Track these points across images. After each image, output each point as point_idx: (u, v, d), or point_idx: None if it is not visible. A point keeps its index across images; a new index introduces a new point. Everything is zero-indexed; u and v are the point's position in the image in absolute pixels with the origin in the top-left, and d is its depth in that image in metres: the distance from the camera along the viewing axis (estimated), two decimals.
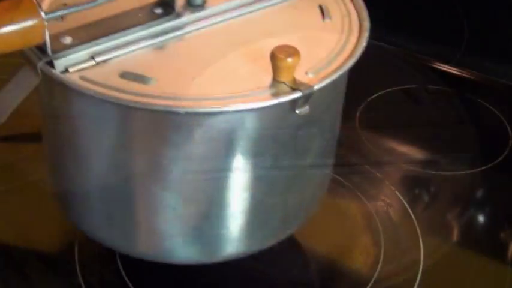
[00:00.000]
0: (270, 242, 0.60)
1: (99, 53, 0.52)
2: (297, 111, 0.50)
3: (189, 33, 0.55)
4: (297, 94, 0.50)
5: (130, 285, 0.64)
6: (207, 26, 0.56)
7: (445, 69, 0.95)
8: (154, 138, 0.52)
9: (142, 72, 0.51)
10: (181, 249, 0.58)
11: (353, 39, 0.57)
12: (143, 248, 0.59)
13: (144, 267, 0.66)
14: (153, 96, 0.49)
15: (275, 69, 0.50)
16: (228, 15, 0.57)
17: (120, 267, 0.65)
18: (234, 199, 0.55)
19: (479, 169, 0.78)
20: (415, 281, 0.64)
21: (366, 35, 0.57)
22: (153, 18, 0.55)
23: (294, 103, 0.50)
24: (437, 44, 0.97)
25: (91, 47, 0.52)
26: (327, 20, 0.58)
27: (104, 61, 0.52)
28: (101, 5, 0.53)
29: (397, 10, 0.99)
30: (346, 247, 0.68)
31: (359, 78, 0.93)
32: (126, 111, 0.51)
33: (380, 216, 0.71)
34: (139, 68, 0.51)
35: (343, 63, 0.53)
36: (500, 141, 0.82)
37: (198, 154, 0.52)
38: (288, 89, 0.50)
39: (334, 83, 0.52)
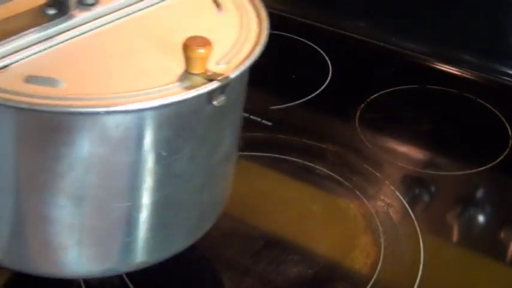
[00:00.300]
0: (187, 243, 0.59)
1: None
2: (214, 103, 0.50)
3: (87, 33, 0.54)
4: (215, 84, 0.49)
5: (131, 285, 0.64)
6: (105, 24, 0.55)
7: (445, 69, 0.96)
8: (65, 143, 0.49)
9: (48, 75, 0.48)
10: (87, 261, 0.55)
11: (254, 27, 0.56)
12: (41, 263, 0.55)
13: (144, 267, 0.66)
14: (64, 98, 0.47)
15: (189, 61, 0.49)
16: (123, 12, 0.56)
17: None
18: (152, 200, 0.53)
19: (479, 169, 0.78)
20: (415, 281, 0.64)
21: (266, 22, 0.56)
22: (48, 19, 0.53)
23: (211, 94, 0.49)
24: (437, 44, 0.97)
25: None
26: (223, 12, 0.58)
27: (4, 67, 0.49)
28: None
29: (397, 10, 0.99)
30: (346, 247, 0.68)
31: (359, 78, 0.94)
32: (33, 116, 0.48)
33: (380, 216, 0.71)
34: (44, 71, 0.49)
35: (252, 51, 0.53)
36: (500, 141, 0.83)
37: (114, 156, 0.50)
38: (203, 80, 0.49)
39: (243, 73, 0.52)
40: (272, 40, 1.04)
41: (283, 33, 0.99)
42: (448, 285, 0.65)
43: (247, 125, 0.83)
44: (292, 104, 0.87)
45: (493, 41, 0.94)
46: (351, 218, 0.71)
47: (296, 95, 0.88)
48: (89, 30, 0.54)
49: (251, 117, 0.84)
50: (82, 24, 0.54)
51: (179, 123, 0.51)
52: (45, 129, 0.49)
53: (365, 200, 0.73)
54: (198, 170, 0.55)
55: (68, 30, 0.53)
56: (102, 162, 0.50)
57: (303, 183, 0.76)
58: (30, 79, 0.48)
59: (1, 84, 0.48)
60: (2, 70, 0.49)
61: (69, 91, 0.48)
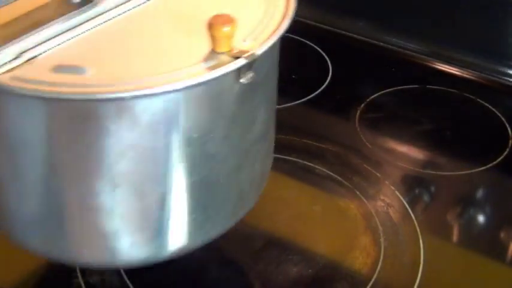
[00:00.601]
0: (229, 224, 0.58)
1: (26, 50, 0.49)
2: (241, 80, 0.49)
3: (112, 19, 0.54)
4: (242, 62, 0.48)
5: (130, 285, 0.64)
6: (129, 9, 0.55)
7: (445, 69, 0.96)
8: (94, 131, 0.49)
9: (76, 64, 0.49)
10: (130, 248, 0.55)
11: (281, 3, 0.55)
12: (81, 252, 0.55)
13: (144, 267, 0.66)
14: (93, 86, 0.47)
15: (214, 39, 0.49)
16: None
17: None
18: (188, 183, 0.53)
19: (479, 169, 0.78)
20: (415, 281, 0.64)
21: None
22: (73, 8, 0.53)
23: (238, 72, 0.49)
24: (438, 44, 0.97)
25: (16, 44, 0.49)
26: None
27: (32, 58, 0.49)
28: (14, 3, 0.52)
29: (397, 10, 0.99)
30: (346, 247, 0.68)
31: (359, 78, 0.94)
32: (63, 105, 0.49)
33: (380, 216, 0.71)
34: (72, 60, 0.49)
35: (278, 27, 0.52)
36: (500, 141, 0.82)
37: (146, 141, 0.50)
38: (229, 58, 0.48)
39: (272, 48, 0.51)
40: None
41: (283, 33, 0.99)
42: (448, 285, 0.65)
43: None
44: (292, 104, 0.87)
45: (493, 41, 0.94)
46: (351, 218, 0.71)
47: (296, 95, 0.88)
48: (113, 17, 0.54)
49: None
50: (106, 12, 0.54)
51: (208, 104, 0.50)
52: (75, 117, 0.49)
53: (365, 200, 0.73)
54: (232, 150, 0.54)
55: (92, 18, 0.53)
56: (134, 148, 0.50)
57: (303, 183, 0.76)
58: (58, 69, 0.48)
59: (29, 76, 0.48)
60: (30, 61, 0.49)
61: (97, 78, 0.48)
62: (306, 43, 0.98)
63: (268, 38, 0.51)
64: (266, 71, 0.54)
